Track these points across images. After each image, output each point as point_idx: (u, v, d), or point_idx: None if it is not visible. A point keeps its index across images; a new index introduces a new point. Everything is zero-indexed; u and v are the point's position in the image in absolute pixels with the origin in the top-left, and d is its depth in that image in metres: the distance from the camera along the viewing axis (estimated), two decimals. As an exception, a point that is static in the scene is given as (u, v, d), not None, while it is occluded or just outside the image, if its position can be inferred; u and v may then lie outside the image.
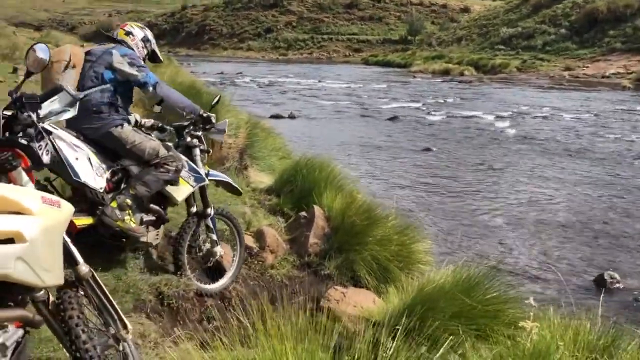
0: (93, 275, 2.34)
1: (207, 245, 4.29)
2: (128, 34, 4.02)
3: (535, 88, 31.46)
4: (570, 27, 43.99)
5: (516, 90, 30.41)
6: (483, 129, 17.98)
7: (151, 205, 3.84)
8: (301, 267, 5.61)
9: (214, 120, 4.16)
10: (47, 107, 2.20)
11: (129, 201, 3.61)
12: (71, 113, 2.26)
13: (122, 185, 3.72)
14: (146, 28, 4.20)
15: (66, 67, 3.57)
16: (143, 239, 3.80)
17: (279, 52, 70.10)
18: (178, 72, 20.76)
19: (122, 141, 3.70)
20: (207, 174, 4.24)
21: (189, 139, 4.16)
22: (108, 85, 3.70)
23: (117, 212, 3.53)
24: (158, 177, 3.72)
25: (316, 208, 6.04)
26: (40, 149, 2.12)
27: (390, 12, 75.25)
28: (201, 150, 4.23)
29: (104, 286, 2.39)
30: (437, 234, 8.26)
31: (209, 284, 4.35)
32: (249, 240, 5.38)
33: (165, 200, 3.97)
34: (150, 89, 3.77)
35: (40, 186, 3.26)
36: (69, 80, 3.51)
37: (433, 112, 21.59)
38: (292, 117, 19.49)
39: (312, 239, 5.84)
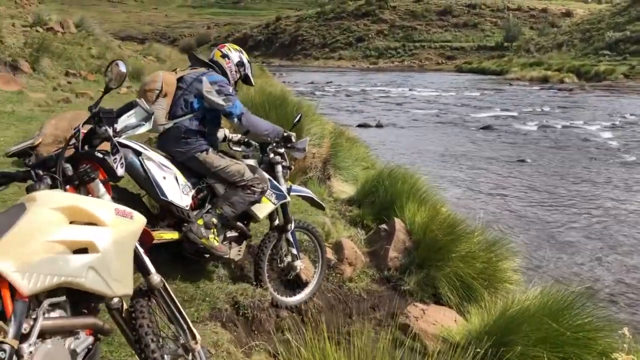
0: (164, 285, 2.39)
1: (288, 259, 4.29)
2: (224, 56, 4.07)
3: (645, 96, 29.33)
4: (686, 29, 40.72)
5: (622, 98, 28.48)
6: (584, 140, 16.94)
7: (235, 222, 3.94)
8: (380, 281, 5.49)
9: (293, 140, 4.20)
10: (123, 121, 2.28)
11: (214, 220, 3.75)
12: (146, 127, 2.32)
13: (207, 204, 3.85)
14: (243, 52, 4.19)
15: (157, 97, 3.76)
16: (226, 256, 3.92)
17: (369, 61, 70.13)
18: (268, 82, 21.36)
19: (206, 165, 3.81)
20: (290, 190, 4.28)
21: (272, 155, 4.21)
22: (197, 114, 3.81)
23: (203, 230, 3.68)
24: (245, 198, 3.83)
25: (397, 221, 5.91)
26: (115, 162, 2.19)
27: (486, 18, 73.23)
28: (283, 167, 4.27)
29: (174, 296, 2.43)
30: (527, 251, 7.82)
31: (288, 296, 4.35)
32: (327, 252, 5.34)
33: (248, 217, 4.05)
34: (235, 119, 3.86)
35: (133, 197, 3.60)
36: (160, 109, 3.73)
37: (529, 122, 20.65)
38: (379, 126, 19.35)
39: (392, 252, 5.70)
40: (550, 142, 16.81)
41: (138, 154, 3.54)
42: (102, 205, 2.05)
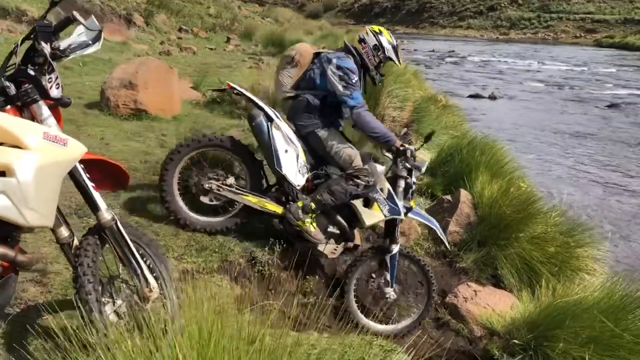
0: (117, 224, 2.23)
1: (380, 281, 3.97)
2: (361, 40, 4.00)
3: None
4: None
5: None
6: None
7: (339, 218, 3.89)
8: (435, 256, 5.07)
9: (408, 155, 3.89)
10: (70, 40, 2.09)
11: (313, 205, 3.75)
12: (94, 48, 2.13)
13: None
14: (382, 33, 4.02)
15: (289, 63, 3.92)
16: (320, 248, 3.85)
17: (499, 32, 66.20)
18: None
19: (322, 143, 3.83)
20: (409, 210, 3.99)
21: (399, 167, 3.97)
22: (318, 92, 3.83)
23: (300, 212, 3.72)
24: (346, 189, 3.75)
25: (463, 192, 5.40)
26: (51, 82, 2.02)
27: (637, -13, 66.00)
28: (406, 184, 3.99)
29: (127, 238, 2.26)
30: (622, 244, 6.90)
31: (378, 322, 3.96)
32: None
33: (354, 219, 3.94)
34: (347, 109, 3.81)
35: (253, 167, 3.78)
36: (287, 77, 3.90)
37: (667, 103, 18.35)
38: (492, 97, 18.16)
39: (453, 226, 5.23)
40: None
41: (270, 120, 3.69)
42: (28, 127, 1.90)
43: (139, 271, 2.28)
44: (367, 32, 4.02)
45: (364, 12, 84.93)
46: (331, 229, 3.88)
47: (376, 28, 4.10)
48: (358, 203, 3.85)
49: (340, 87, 3.72)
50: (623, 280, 3.79)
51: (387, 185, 3.90)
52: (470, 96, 17.99)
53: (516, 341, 3.46)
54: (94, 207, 2.18)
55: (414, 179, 4.02)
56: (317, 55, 3.93)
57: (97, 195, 2.17)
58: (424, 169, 4.06)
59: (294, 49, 3.98)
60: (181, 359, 1.77)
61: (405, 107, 7.67)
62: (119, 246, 2.25)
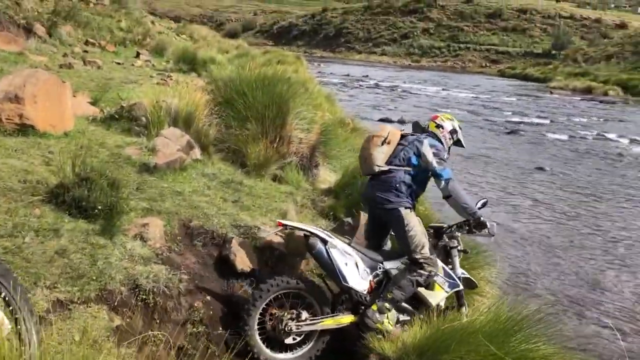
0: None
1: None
2: (438, 126, 4.46)
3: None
4: None
5: (668, 115, 27.00)
6: (612, 153, 15.97)
7: (405, 305, 4.16)
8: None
9: (488, 226, 4.22)
10: None
11: (387, 305, 4.00)
12: None
13: (382, 287, 4.11)
14: (454, 119, 4.60)
15: (382, 143, 4.25)
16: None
17: (412, 59, 68.86)
18: (299, 70, 20.98)
19: (403, 222, 4.07)
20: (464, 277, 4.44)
21: (448, 240, 4.43)
22: (410, 169, 4.18)
23: (377, 315, 3.97)
24: (412, 280, 4.02)
25: (363, 215, 5.40)
26: None
27: (536, 24, 70.94)
28: (459, 251, 4.45)
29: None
30: (515, 263, 7.22)
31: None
32: (278, 241, 4.90)
33: (419, 302, 4.22)
34: (443, 182, 4.10)
35: (315, 285, 4.05)
36: (381, 154, 4.22)
37: (560, 131, 19.67)
38: (401, 121, 18.70)
39: (353, 248, 5.23)
40: (576, 153, 15.91)
41: (324, 242, 3.96)
42: None
43: None
44: (442, 119, 4.49)
45: (283, 34, 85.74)
46: (403, 317, 4.15)
47: (449, 115, 4.61)
48: (421, 289, 4.15)
49: (434, 163, 4.09)
50: (508, 303, 3.91)
51: (441, 264, 4.26)
52: (380, 120, 18.45)
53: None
54: None
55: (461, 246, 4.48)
56: (403, 137, 4.35)
57: None
58: (495, 231, 4.34)
59: (385, 129, 4.38)
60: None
61: (312, 129, 7.66)
62: None
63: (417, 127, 4.60)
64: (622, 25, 65.28)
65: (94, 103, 7.49)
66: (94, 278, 3.29)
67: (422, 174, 4.20)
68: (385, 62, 66.71)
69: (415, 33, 74.52)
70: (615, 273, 7.33)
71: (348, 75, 39.99)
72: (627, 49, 49.18)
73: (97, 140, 5.62)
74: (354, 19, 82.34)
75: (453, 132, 4.50)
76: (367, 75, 40.49)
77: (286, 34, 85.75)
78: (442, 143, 4.37)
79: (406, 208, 4.10)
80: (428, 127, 4.49)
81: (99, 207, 3.82)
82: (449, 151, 4.46)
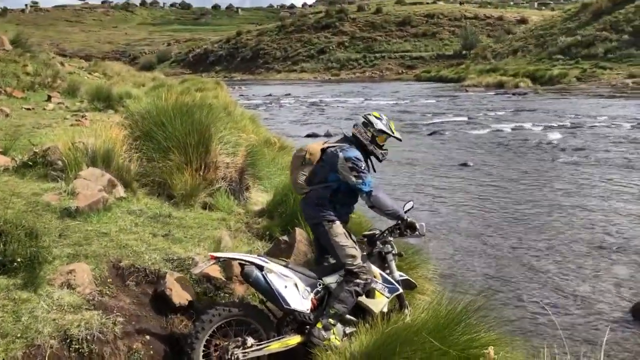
0: None
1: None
2: (355, 125, 4.42)
3: (595, 97, 29.64)
4: (634, 32, 41.54)
5: (574, 100, 28.75)
6: (530, 142, 16.80)
7: (350, 317, 4.16)
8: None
9: (417, 226, 4.30)
10: None
11: (332, 320, 4.00)
12: None
13: (325, 303, 4.10)
14: (371, 114, 4.41)
15: (302, 162, 4.36)
16: None
17: (331, 73, 70.03)
18: (219, 95, 20.84)
19: (328, 235, 4.12)
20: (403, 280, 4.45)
21: (382, 245, 4.43)
22: (330, 184, 4.19)
23: (323, 332, 3.95)
24: (350, 291, 4.03)
25: (298, 231, 5.41)
26: None
27: (444, 27, 73.99)
28: (394, 255, 4.45)
29: None
30: (450, 259, 7.42)
31: None
32: (214, 270, 4.81)
33: (363, 312, 4.21)
34: (364, 195, 4.12)
35: (257, 310, 4.00)
36: (302, 175, 4.33)
37: (479, 126, 20.53)
38: (328, 135, 18.89)
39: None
40: (496, 145, 16.63)
41: (261, 268, 3.92)
42: None
43: None
44: (361, 118, 4.44)
45: (199, 61, 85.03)
46: (349, 329, 4.13)
47: (376, 114, 4.46)
48: (362, 298, 4.16)
49: (353, 178, 4.06)
50: (446, 297, 4.01)
51: (378, 271, 4.28)
52: (308, 136, 18.60)
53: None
54: None
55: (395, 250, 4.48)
56: (323, 151, 4.30)
57: None
58: (424, 231, 4.41)
59: (305, 149, 4.40)
60: None
61: (238, 152, 7.61)
62: None
63: (345, 138, 4.48)
64: (523, 21, 69.32)
65: (4, 152, 7.13)
66: (19, 335, 3.10)
67: (345, 186, 4.18)
68: (305, 78, 67.46)
69: (331, 47, 75.89)
70: (541, 254, 7.67)
71: (270, 95, 40.14)
72: (530, 42, 52.03)
73: (10, 191, 5.33)
74: (269, 40, 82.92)
75: (366, 124, 4.35)
76: (289, 94, 40.79)
77: (203, 61, 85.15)
78: (360, 142, 4.28)
79: (329, 222, 4.11)
80: (352, 134, 4.39)
81: (18, 260, 3.61)
82: (377, 145, 4.32)
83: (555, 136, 17.67)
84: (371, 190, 4.09)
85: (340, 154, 4.14)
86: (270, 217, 6.48)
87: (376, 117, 4.39)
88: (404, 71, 65.99)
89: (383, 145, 4.40)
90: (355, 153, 4.17)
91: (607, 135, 17.39)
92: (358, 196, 4.30)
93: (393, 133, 4.41)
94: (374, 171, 4.38)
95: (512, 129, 19.50)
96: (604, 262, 7.33)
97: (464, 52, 64.00)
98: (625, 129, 18.76)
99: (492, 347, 3.01)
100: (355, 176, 4.07)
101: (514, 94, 33.71)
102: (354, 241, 4.22)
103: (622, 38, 41.79)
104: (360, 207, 6.63)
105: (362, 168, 4.12)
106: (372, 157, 4.40)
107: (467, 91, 38.23)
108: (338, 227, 4.13)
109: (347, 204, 4.32)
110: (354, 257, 4.08)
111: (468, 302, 3.70)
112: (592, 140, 16.67)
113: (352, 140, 4.33)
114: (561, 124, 20.24)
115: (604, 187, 11.15)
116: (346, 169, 4.08)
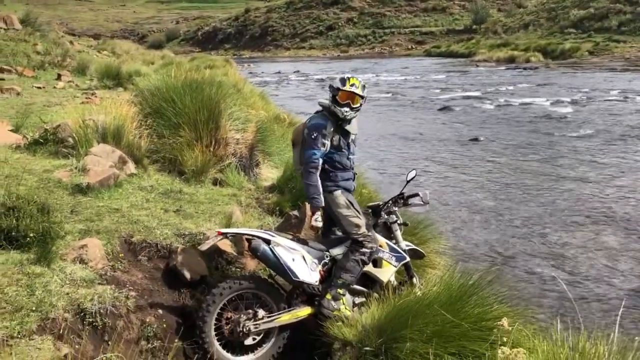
0: None
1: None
2: (332, 92, 4.18)
3: (608, 71, 29.19)
4: (649, 4, 40.80)
5: (585, 74, 28.35)
6: (540, 116, 16.63)
7: (358, 287, 4.19)
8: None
9: (420, 194, 4.44)
10: None
11: (340, 291, 4.01)
12: None
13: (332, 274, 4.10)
14: (336, 80, 4.22)
15: (294, 145, 4.42)
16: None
17: (340, 49, 69.44)
18: (228, 72, 20.72)
19: (331, 205, 4.12)
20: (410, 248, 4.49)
21: (386, 216, 4.45)
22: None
23: (333, 303, 3.97)
24: (357, 260, 4.04)
25: (308, 206, 5.39)
26: None
27: (454, 1, 72.90)
28: (399, 224, 4.46)
29: None
30: (462, 233, 7.40)
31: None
32: (225, 245, 4.83)
33: (372, 282, 4.25)
34: (302, 165, 4.14)
35: (267, 283, 4.03)
36: (296, 156, 4.38)
37: (489, 101, 20.31)
38: (337, 111, 18.89)
39: (302, 241, 5.21)
40: (506, 120, 16.47)
41: (267, 242, 3.92)
42: None
43: None
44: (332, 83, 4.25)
45: (208, 39, 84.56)
46: (358, 300, 4.18)
47: (353, 80, 4.22)
48: (369, 267, 4.18)
49: (306, 145, 4.07)
50: (458, 271, 3.99)
51: (384, 240, 4.30)
52: (317, 112, 18.48)
53: (368, 348, 3.46)
54: None
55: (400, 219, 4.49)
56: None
57: None
58: (428, 199, 4.50)
59: (293, 132, 4.43)
60: None
61: (248, 128, 7.58)
62: None
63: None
64: (534, -6, 67.96)
65: (15, 130, 7.16)
66: (34, 309, 3.13)
67: (330, 154, 4.11)
68: (314, 55, 66.95)
69: (340, 24, 75.09)
70: (553, 227, 7.63)
71: (279, 72, 39.92)
72: (541, 15, 51.22)
73: (22, 168, 5.35)
74: (277, 17, 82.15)
75: (330, 87, 4.21)
76: (298, 71, 40.53)
77: (212, 38, 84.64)
78: (330, 108, 4.11)
79: (329, 192, 4.10)
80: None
81: (31, 235, 3.64)
82: (339, 104, 4.07)
83: (566, 110, 17.46)
84: (309, 163, 4.01)
85: (308, 124, 4.18)
86: (281, 193, 6.47)
87: (339, 78, 4.23)
88: (413, 47, 65.25)
89: (348, 103, 4.09)
90: (315, 121, 4.13)
91: (620, 110, 17.16)
92: (349, 158, 4.22)
93: (349, 88, 4.09)
94: (347, 135, 4.16)
95: (523, 104, 19.29)
96: (617, 235, 7.29)
97: (474, 26, 63.12)
98: (638, 102, 18.49)
99: (506, 319, 3.00)
100: (307, 145, 4.06)
101: (525, 69, 33.28)
102: (358, 211, 4.20)
103: (636, 10, 41.01)
104: (367, 179, 6.61)
105: (314, 137, 4.02)
106: (345, 124, 4.16)
107: (477, 66, 37.80)
108: (339, 197, 4.12)
109: (341, 169, 4.17)
110: (358, 226, 4.08)
111: (480, 275, 3.69)
112: (604, 114, 16.46)
113: (321, 109, 4.25)
114: (573, 98, 19.98)
115: (618, 162, 11.03)
116: (308, 138, 4.07)
